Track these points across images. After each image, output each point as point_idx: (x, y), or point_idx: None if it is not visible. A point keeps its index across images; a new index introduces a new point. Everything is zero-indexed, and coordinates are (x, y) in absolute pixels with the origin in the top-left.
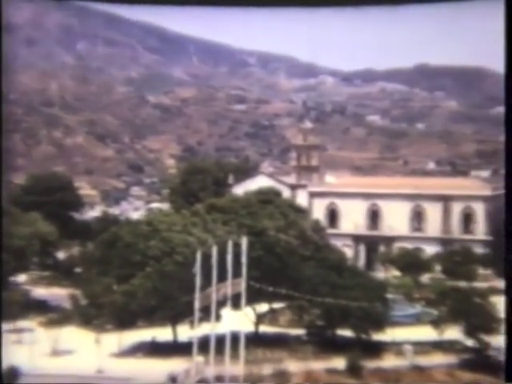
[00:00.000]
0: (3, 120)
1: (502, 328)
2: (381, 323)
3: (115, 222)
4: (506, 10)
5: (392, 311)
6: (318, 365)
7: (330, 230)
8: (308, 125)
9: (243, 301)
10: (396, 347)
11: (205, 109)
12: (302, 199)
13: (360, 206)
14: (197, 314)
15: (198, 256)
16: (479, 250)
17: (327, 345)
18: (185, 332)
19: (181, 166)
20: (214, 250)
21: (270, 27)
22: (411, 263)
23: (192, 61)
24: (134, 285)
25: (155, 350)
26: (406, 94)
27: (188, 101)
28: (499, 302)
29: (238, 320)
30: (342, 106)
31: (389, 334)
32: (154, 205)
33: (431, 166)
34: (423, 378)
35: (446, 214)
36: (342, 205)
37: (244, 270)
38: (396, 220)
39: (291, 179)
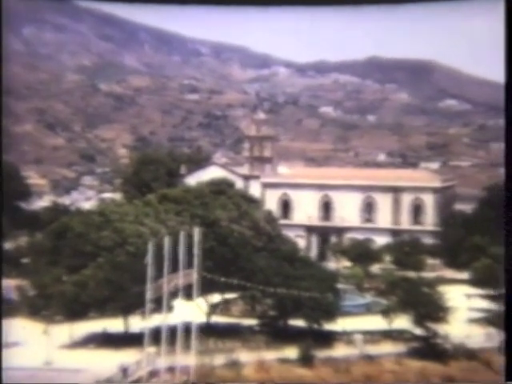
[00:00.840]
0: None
1: (449, 316)
2: (332, 313)
3: (65, 212)
4: (505, 9)
5: (343, 301)
6: (270, 355)
7: (283, 221)
8: (261, 116)
9: (195, 291)
10: (347, 337)
11: (158, 98)
12: (254, 190)
13: (312, 196)
14: (148, 305)
15: (150, 247)
16: (428, 240)
17: (279, 335)
18: (136, 323)
19: (133, 155)
20: (167, 241)
21: (223, 17)
22: (362, 254)
23: (144, 49)
24: (86, 275)
25: (106, 341)
26: (359, 85)
27: (141, 90)
28: (446, 291)
29: (190, 311)
30: (295, 97)
31: (340, 324)
32: (106, 195)
33: (382, 157)
34: (373, 367)
35: (397, 205)
36: (295, 196)
37: (196, 260)
38: (347, 211)
39: (244, 170)
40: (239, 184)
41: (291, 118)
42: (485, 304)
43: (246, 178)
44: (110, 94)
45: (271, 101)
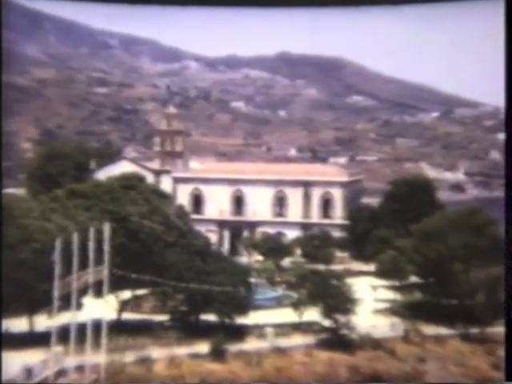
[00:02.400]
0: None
1: (356, 308)
2: (244, 307)
3: None
4: (505, 9)
5: (255, 295)
6: (182, 350)
7: (195, 216)
8: (172, 110)
9: (105, 288)
10: (258, 330)
11: (64, 91)
12: (165, 185)
13: (224, 191)
14: (56, 303)
15: (58, 243)
16: (336, 233)
17: (191, 330)
18: (43, 322)
19: (38, 149)
20: (75, 237)
21: (132, 10)
22: (273, 248)
23: (49, 40)
24: None
25: (9, 341)
26: (269, 81)
27: (46, 82)
28: (354, 283)
29: (100, 308)
30: (206, 91)
31: (251, 318)
32: (10, 190)
33: (293, 152)
34: (283, 359)
35: (307, 199)
36: (207, 190)
37: (106, 256)
38: (259, 205)
39: (155, 164)
40: (150, 179)
41: (202, 112)
42: (389, 295)
43: (157, 172)
44: (12, 86)
45: (182, 95)
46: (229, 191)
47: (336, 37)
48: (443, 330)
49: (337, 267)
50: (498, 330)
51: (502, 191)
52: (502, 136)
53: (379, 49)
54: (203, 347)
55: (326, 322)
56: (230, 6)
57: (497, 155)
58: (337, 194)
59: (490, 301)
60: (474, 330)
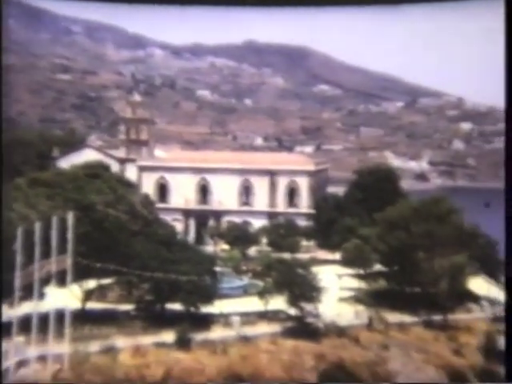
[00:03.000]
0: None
1: (321, 296)
2: (209, 296)
3: None
4: (505, 10)
5: (220, 284)
6: (147, 339)
7: (160, 205)
8: (137, 98)
9: (69, 278)
10: (224, 319)
11: (26, 77)
12: (131, 173)
13: (190, 180)
14: (17, 293)
15: (20, 232)
16: (302, 222)
17: (156, 319)
18: (4, 312)
19: None
20: (38, 226)
21: None
22: (239, 237)
23: (9, 25)
24: None
25: None
26: (235, 69)
27: (6, 68)
28: (319, 272)
29: (63, 297)
30: (171, 79)
31: (217, 307)
32: None
33: (259, 141)
34: (249, 348)
35: (272, 188)
36: (172, 179)
37: (70, 246)
38: (225, 194)
39: (120, 153)
40: (115, 167)
41: (168, 100)
42: (354, 283)
43: (122, 161)
44: None
45: (147, 83)
46: (194, 180)
47: (301, 26)
48: (406, 318)
49: (303, 256)
50: (460, 316)
51: (465, 180)
52: (465, 126)
53: (344, 39)
54: (169, 336)
55: (292, 311)
56: None
57: (460, 145)
58: (303, 183)
59: (452, 288)
60: (437, 317)
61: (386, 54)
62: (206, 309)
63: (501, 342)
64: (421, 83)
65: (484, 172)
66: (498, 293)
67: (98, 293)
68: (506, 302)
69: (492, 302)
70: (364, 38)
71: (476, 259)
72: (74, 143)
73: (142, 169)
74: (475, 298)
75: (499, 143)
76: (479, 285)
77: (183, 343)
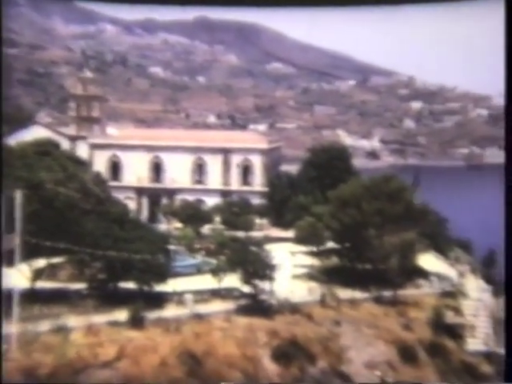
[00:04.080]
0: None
1: (275, 273)
2: (163, 274)
3: None
4: (505, 9)
5: (174, 262)
6: (100, 318)
7: (112, 183)
8: (88, 74)
9: (17, 257)
10: (177, 297)
11: None
12: (82, 151)
13: (142, 158)
14: None
15: None
16: (256, 200)
17: (109, 298)
18: None
19: None
20: None
21: None
22: (193, 215)
23: None
24: None
25: None
26: (188, 46)
27: None
28: (273, 250)
29: (12, 277)
30: (123, 56)
31: (170, 285)
32: None
33: (212, 119)
34: (203, 325)
35: (226, 166)
36: (124, 157)
37: (18, 224)
38: (178, 172)
39: (70, 130)
40: (65, 145)
41: (119, 77)
42: (307, 260)
43: (73, 138)
44: None
45: (98, 59)
46: (147, 158)
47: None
48: (358, 294)
49: (256, 234)
50: (410, 292)
51: (416, 159)
52: (415, 104)
53: (296, 16)
54: (121, 315)
55: (246, 288)
56: None
57: (411, 123)
58: (256, 161)
59: (402, 265)
60: (387, 293)
61: (336, 31)
62: (160, 287)
63: (448, 315)
64: (372, 61)
65: (434, 150)
66: (446, 268)
67: (49, 272)
68: (505, 301)
69: (441, 277)
70: (315, 16)
71: (425, 236)
72: (21, 120)
73: (94, 146)
74: (424, 274)
75: (449, 122)
76: (428, 261)
77: (136, 322)
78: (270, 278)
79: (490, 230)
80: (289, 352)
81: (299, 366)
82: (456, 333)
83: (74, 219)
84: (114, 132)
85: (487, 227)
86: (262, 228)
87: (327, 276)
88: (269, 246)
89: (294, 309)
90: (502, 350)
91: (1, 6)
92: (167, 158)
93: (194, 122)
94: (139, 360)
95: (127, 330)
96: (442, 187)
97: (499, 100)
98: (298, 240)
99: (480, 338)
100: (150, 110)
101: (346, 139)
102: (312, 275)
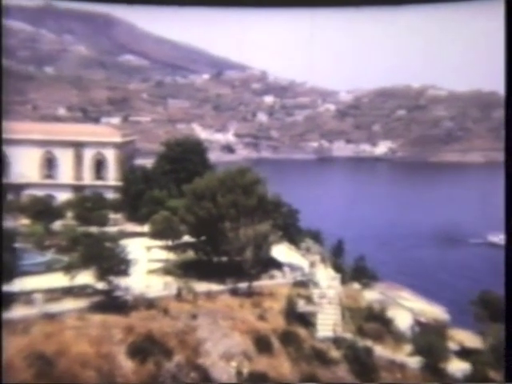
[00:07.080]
0: None
1: (130, 269)
2: (9, 274)
3: None
4: (505, 10)
5: (21, 261)
6: None
7: None
8: None
9: None
10: (25, 297)
11: None
12: None
13: None
14: None
15: None
16: (110, 195)
17: None
18: None
19: None
20: None
21: None
22: (42, 211)
23: None
24: None
25: None
26: (33, 34)
27: None
28: (128, 245)
29: None
30: None
31: (18, 284)
32: None
33: (62, 111)
34: (53, 325)
35: (78, 160)
36: None
37: None
38: (26, 167)
39: None
40: None
41: None
42: (163, 255)
43: None
44: None
45: None
46: None
47: None
48: (214, 287)
49: (111, 229)
50: (264, 283)
51: (269, 152)
52: (267, 98)
53: (150, 10)
54: None
55: (100, 285)
56: None
57: (263, 117)
58: (110, 155)
59: (257, 256)
60: (243, 285)
61: (192, 25)
62: (6, 287)
63: (300, 304)
64: (226, 56)
65: (286, 143)
66: (298, 259)
67: None
68: (505, 300)
69: (293, 267)
70: (173, 11)
71: (278, 227)
72: None
73: None
74: (278, 265)
75: (299, 116)
76: (281, 252)
77: None
78: (126, 274)
79: (339, 220)
80: (144, 348)
81: (155, 361)
82: (307, 320)
83: None
84: None
85: (336, 218)
86: (117, 223)
87: (183, 270)
88: (124, 241)
89: (149, 304)
90: (348, 335)
91: (1, 7)
92: (13, 152)
93: (41, 114)
94: None
95: None
96: (294, 179)
97: (346, 95)
98: (154, 234)
99: (329, 325)
100: None
101: (201, 133)
102: (168, 269)
